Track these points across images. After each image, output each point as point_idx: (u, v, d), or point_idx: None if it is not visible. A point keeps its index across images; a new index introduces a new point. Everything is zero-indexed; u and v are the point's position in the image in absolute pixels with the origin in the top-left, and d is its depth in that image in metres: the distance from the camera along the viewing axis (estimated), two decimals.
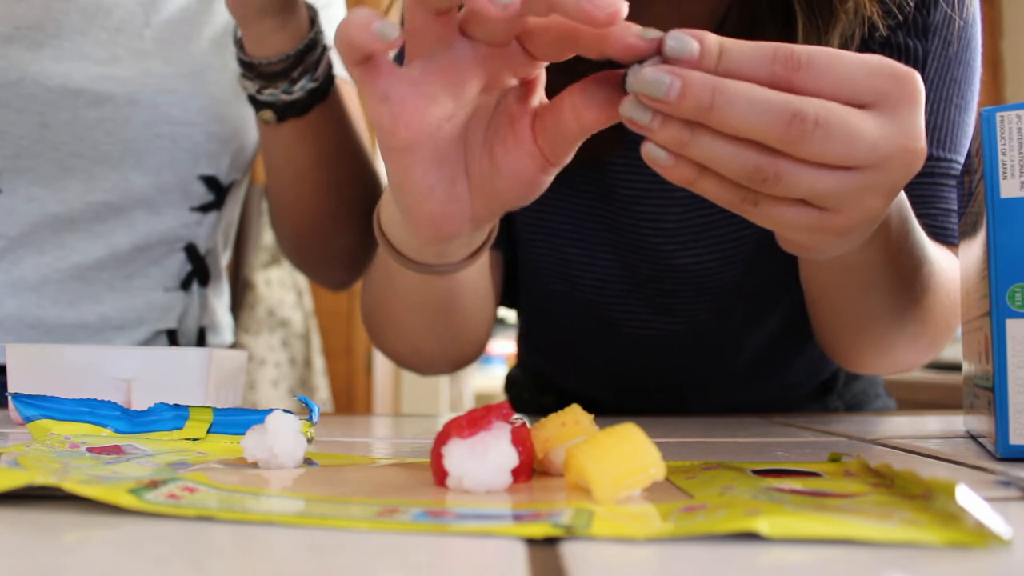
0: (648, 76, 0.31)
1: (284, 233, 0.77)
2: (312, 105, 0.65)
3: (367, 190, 0.74)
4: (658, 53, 0.32)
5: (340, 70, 0.77)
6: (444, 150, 0.36)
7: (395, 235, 0.45)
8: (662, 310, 0.65)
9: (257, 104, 0.65)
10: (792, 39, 0.52)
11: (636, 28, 0.32)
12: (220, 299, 0.85)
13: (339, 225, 0.74)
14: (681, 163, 0.34)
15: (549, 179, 0.37)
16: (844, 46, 0.53)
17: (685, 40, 0.32)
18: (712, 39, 0.32)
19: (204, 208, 0.77)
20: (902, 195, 0.45)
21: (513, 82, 0.36)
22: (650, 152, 0.34)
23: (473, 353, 0.66)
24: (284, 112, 0.64)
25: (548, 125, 0.35)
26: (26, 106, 0.69)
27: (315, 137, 0.67)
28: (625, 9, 0.30)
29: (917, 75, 0.33)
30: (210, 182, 0.77)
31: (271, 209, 0.76)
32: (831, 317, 0.58)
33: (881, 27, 0.52)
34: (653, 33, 0.32)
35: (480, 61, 0.34)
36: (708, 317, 0.66)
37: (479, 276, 0.58)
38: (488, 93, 0.36)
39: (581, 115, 0.34)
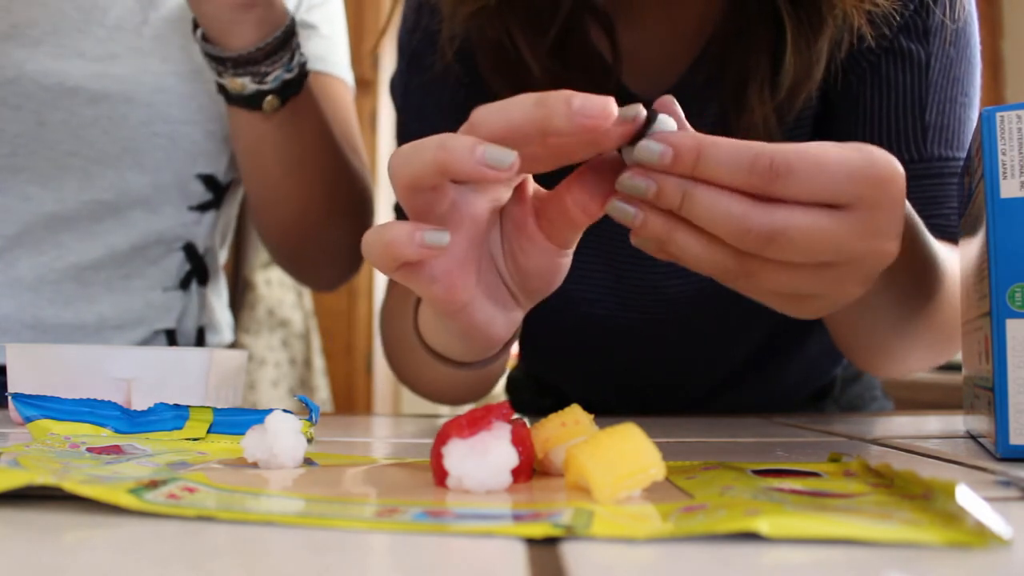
0: (628, 181, 0.33)
1: (271, 233, 0.76)
2: (304, 80, 0.66)
3: (353, 183, 0.74)
4: (646, 124, 0.33)
5: (317, 64, 0.77)
6: (489, 285, 0.38)
7: (436, 343, 0.47)
8: (657, 318, 0.65)
9: (258, 98, 0.64)
10: (781, 45, 0.53)
11: (616, 114, 0.32)
12: (219, 298, 0.85)
13: (326, 220, 0.74)
14: (650, 223, 0.35)
15: (569, 259, 0.39)
16: (834, 52, 0.54)
17: (654, 149, 0.33)
18: (690, 146, 0.32)
19: (202, 207, 0.77)
20: (914, 216, 0.45)
21: (508, 193, 0.37)
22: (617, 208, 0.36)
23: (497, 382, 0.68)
24: (286, 92, 0.65)
25: (554, 219, 0.37)
26: (22, 104, 0.69)
27: (305, 122, 0.68)
28: (614, 108, 0.31)
29: (900, 175, 0.34)
30: (208, 181, 0.76)
31: (255, 211, 0.76)
32: (846, 338, 0.58)
33: (869, 37, 0.52)
34: (632, 111, 0.32)
35: (482, 197, 0.36)
36: (704, 322, 0.66)
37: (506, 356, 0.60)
38: (494, 212, 0.38)
39: (588, 207, 0.36)
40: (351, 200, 0.75)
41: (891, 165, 0.34)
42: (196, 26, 0.64)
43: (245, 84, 0.64)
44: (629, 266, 0.63)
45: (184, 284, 0.78)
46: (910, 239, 0.45)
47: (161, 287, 0.76)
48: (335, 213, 0.74)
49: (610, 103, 0.31)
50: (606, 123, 0.31)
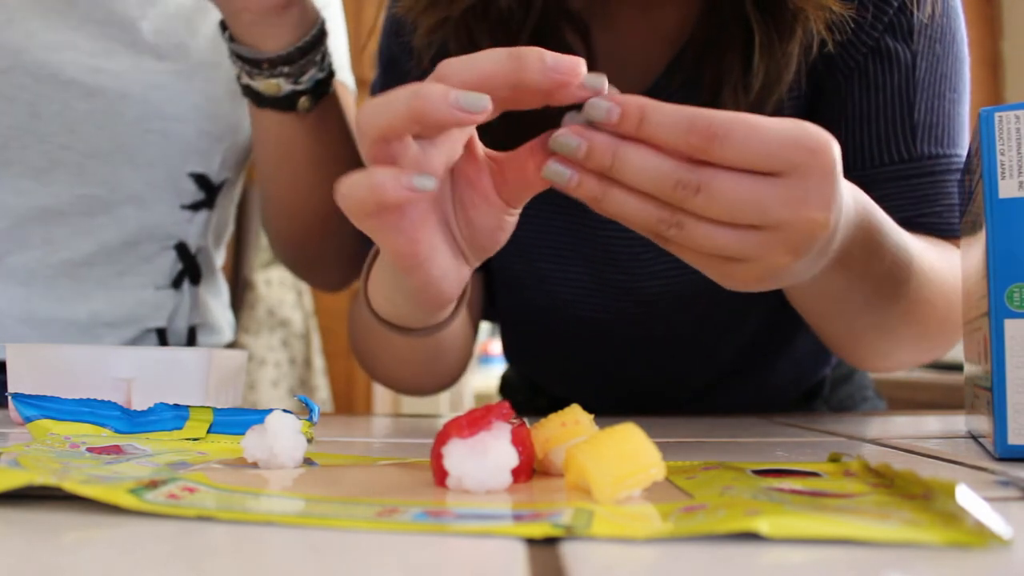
0: (562, 138, 0.35)
1: (281, 236, 0.76)
2: (331, 79, 0.66)
3: None
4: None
5: None
6: (443, 240, 0.39)
7: (386, 310, 0.48)
8: (640, 319, 0.65)
9: (292, 99, 0.64)
10: (752, 51, 0.53)
11: (584, 74, 0.34)
12: (217, 297, 0.85)
13: (337, 225, 0.73)
14: (584, 184, 0.36)
15: (515, 218, 0.40)
16: (803, 57, 0.54)
17: (602, 106, 0.35)
18: (634, 106, 0.34)
19: (194, 206, 0.77)
20: (877, 214, 0.46)
21: (460, 150, 0.38)
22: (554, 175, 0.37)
23: (460, 373, 0.68)
24: (318, 91, 0.65)
25: (511, 181, 0.38)
26: (16, 95, 0.68)
27: (332, 121, 0.68)
28: (583, 68, 0.34)
29: (833, 147, 0.35)
30: (201, 180, 0.76)
31: (267, 213, 0.75)
32: (824, 331, 0.58)
33: (830, 45, 0.52)
34: (598, 81, 0.35)
35: (439, 153, 0.37)
36: (686, 324, 0.66)
37: (462, 321, 0.61)
38: (447, 169, 0.39)
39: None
40: None
41: (823, 136, 0.35)
42: (224, 28, 0.63)
43: (280, 85, 0.63)
44: (608, 267, 0.63)
45: (176, 283, 0.77)
46: (872, 228, 0.45)
47: (153, 285, 0.76)
48: (343, 215, 0.74)
49: (581, 63, 0.33)
50: (576, 80, 0.33)
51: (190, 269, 0.78)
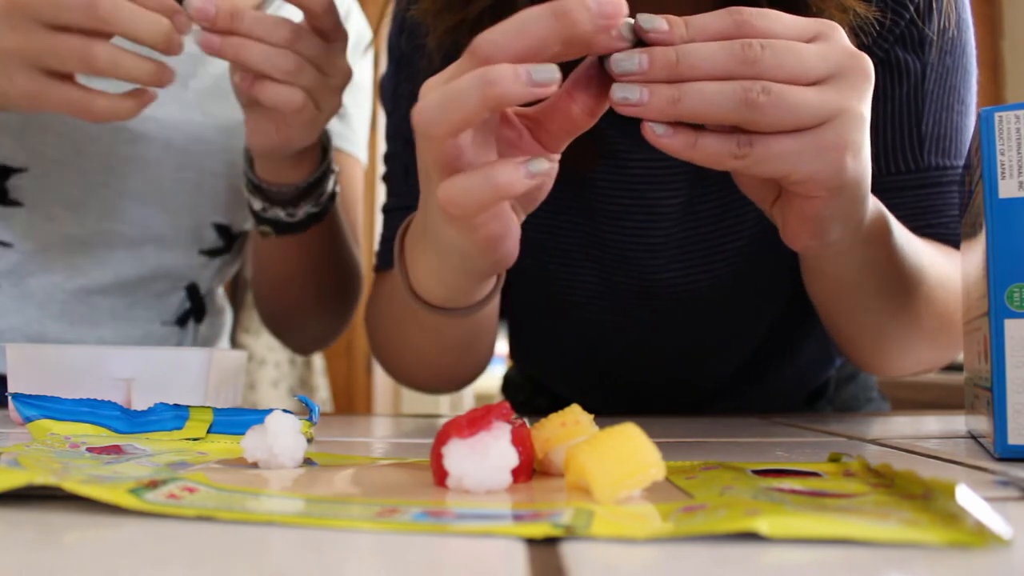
0: (621, 58, 0.35)
1: (262, 312, 0.82)
2: (311, 225, 0.69)
3: (344, 283, 0.79)
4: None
5: (338, 141, 0.81)
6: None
7: (434, 292, 0.48)
8: (649, 323, 0.65)
9: (257, 218, 0.68)
10: None
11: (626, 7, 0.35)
12: (219, 331, 0.87)
13: (313, 317, 0.79)
14: (679, 131, 0.36)
15: (556, 165, 0.41)
16: None
17: (654, 19, 0.36)
18: (674, 17, 0.36)
19: (212, 253, 0.80)
20: (886, 211, 0.47)
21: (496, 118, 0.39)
22: (650, 130, 0.37)
23: (487, 364, 0.69)
24: (283, 230, 0.68)
25: (554, 129, 0.38)
26: (66, 132, 0.71)
27: (308, 248, 0.72)
28: (626, 8, 0.34)
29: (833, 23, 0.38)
30: (222, 230, 0.79)
31: (254, 293, 0.81)
32: (845, 325, 0.58)
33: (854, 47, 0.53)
34: (627, 26, 0.36)
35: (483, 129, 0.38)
36: (696, 329, 0.66)
37: (496, 302, 0.61)
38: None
39: (593, 109, 0.37)
40: (337, 296, 0.79)
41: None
42: (251, 164, 0.66)
43: (308, 208, 0.67)
44: (618, 270, 0.63)
45: (182, 321, 0.80)
46: (883, 228, 0.46)
47: (160, 320, 0.79)
48: (321, 309, 0.79)
49: (621, 2, 0.34)
50: (621, 18, 0.34)
51: (197, 309, 0.82)
